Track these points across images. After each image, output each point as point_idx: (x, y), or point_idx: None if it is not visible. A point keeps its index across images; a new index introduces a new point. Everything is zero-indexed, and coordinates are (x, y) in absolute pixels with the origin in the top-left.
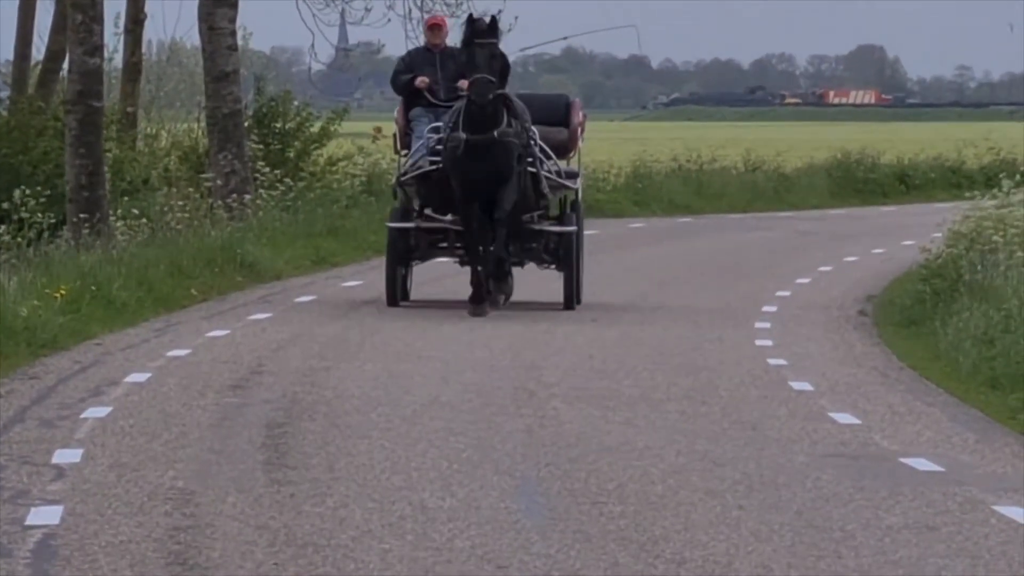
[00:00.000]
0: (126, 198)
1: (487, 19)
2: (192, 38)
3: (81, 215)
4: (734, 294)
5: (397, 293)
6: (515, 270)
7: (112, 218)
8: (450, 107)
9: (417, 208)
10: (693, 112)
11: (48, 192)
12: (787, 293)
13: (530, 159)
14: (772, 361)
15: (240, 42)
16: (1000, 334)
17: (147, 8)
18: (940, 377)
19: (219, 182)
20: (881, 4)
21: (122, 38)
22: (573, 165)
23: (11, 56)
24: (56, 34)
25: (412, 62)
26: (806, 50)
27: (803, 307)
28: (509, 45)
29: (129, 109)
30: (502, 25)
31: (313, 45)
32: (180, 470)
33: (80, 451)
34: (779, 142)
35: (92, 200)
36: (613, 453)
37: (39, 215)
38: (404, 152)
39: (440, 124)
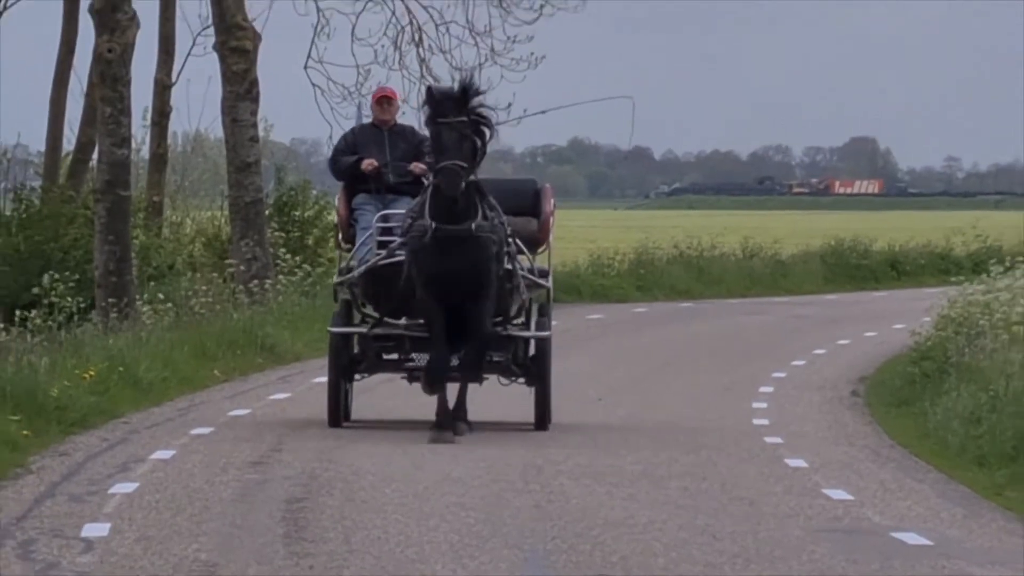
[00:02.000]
0: (152, 283)
1: (455, 88)
2: (216, 130)
3: (109, 299)
4: (732, 375)
5: (341, 411)
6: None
7: (139, 302)
8: (400, 195)
9: (363, 312)
10: (694, 201)
11: (77, 277)
12: (783, 374)
13: (507, 257)
14: (769, 439)
15: (261, 134)
16: (987, 414)
17: (172, 101)
18: (929, 455)
19: (241, 268)
20: (873, 96)
21: (149, 130)
22: (542, 261)
23: (43, 147)
24: (86, 126)
25: (357, 141)
26: (802, 142)
27: (798, 387)
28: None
29: (155, 198)
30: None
31: (331, 136)
32: (203, 543)
33: (108, 525)
34: (776, 230)
35: (120, 285)
36: (617, 527)
37: (68, 299)
38: (348, 246)
39: (389, 212)
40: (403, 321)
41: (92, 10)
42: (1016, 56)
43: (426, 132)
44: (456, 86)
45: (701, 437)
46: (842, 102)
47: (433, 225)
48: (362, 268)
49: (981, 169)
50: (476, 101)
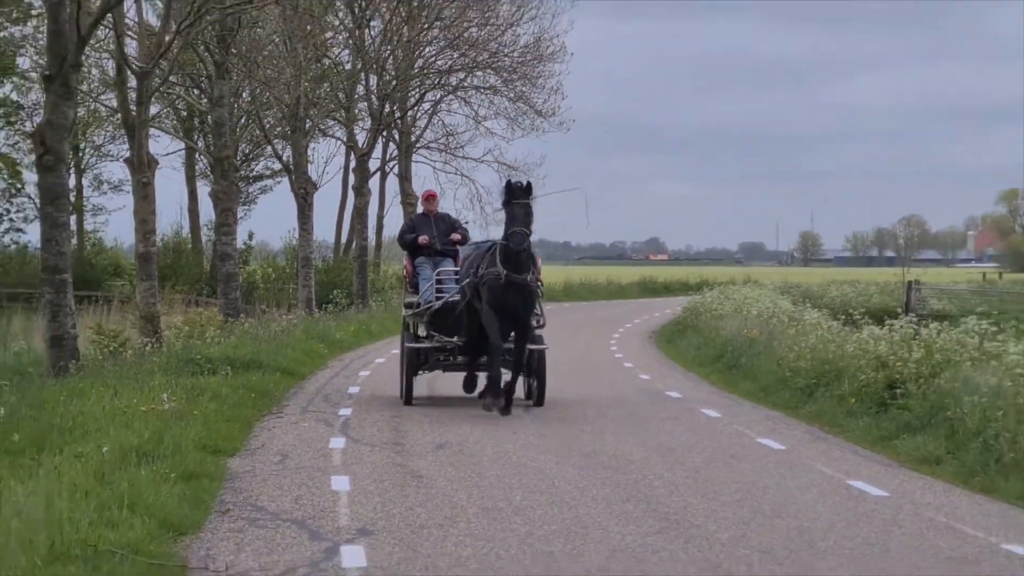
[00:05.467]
0: (376, 295)
1: (524, 183)
2: None
3: (358, 301)
4: (603, 331)
5: (411, 395)
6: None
7: (371, 302)
8: (444, 255)
9: (424, 332)
10: (589, 263)
11: (346, 291)
12: (623, 329)
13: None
14: (617, 356)
15: None
16: (703, 346)
17: (384, 223)
18: (681, 362)
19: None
20: (660, 201)
21: (375, 234)
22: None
23: (332, 240)
24: (350, 232)
25: (414, 225)
26: (629, 238)
27: (629, 335)
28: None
29: (377, 261)
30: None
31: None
32: (394, 393)
33: (358, 388)
34: (622, 274)
35: (363, 295)
36: (564, 394)
37: (343, 300)
38: (412, 290)
39: (442, 270)
40: (455, 339)
41: (353, 188)
42: (715, 191)
43: (455, 216)
44: (524, 182)
45: (591, 357)
46: (645, 220)
47: (505, 272)
48: (436, 305)
49: (702, 249)
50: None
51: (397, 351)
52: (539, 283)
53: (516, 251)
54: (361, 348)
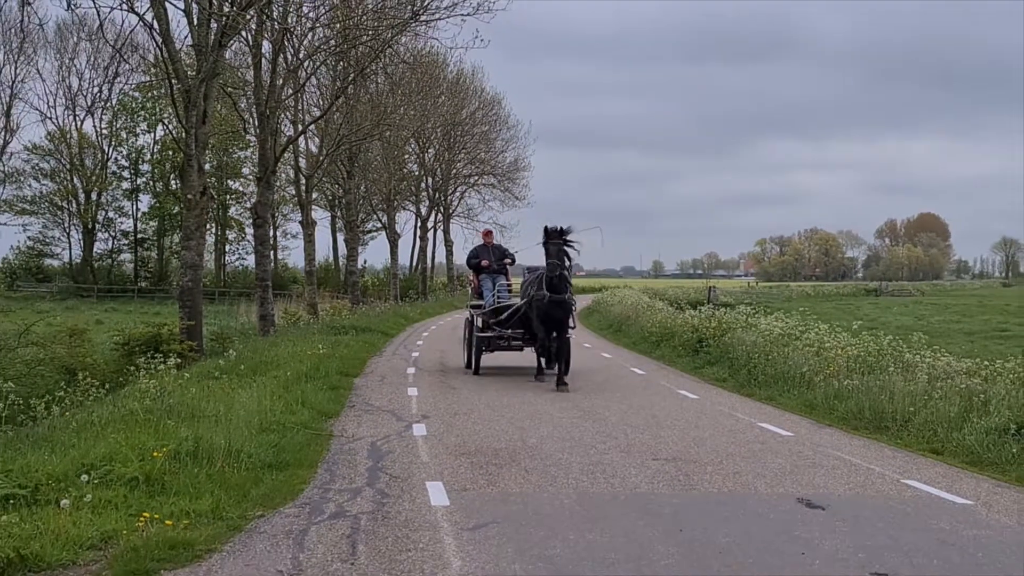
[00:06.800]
0: (431, 293)
1: (559, 227)
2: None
3: (422, 296)
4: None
5: (478, 367)
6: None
7: (429, 297)
8: (499, 271)
9: (481, 323)
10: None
11: (415, 289)
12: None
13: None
14: (578, 339)
15: (456, 262)
16: (602, 319)
17: (437, 255)
18: (591, 328)
19: (450, 290)
20: (580, 246)
21: (430, 261)
22: None
23: (408, 263)
24: (418, 260)
25: (477, 252)
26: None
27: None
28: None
29: (431, 275)
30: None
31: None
32: (445, 349)
33: (422, 342)
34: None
35: (424, 293)
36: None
37: (414, 295)
38: (475, 295)
39: (500, 284)
40: (508, 331)
41: (419, 237)
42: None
43: (506, 247)
44: (559, 226)
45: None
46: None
47: (548, 294)
48: (491, 309)
49: (602, 269)
50: (568, 236)
51: (443, 323)
52: (573, 300)
53: (550, 277)
54: (424, 321)
